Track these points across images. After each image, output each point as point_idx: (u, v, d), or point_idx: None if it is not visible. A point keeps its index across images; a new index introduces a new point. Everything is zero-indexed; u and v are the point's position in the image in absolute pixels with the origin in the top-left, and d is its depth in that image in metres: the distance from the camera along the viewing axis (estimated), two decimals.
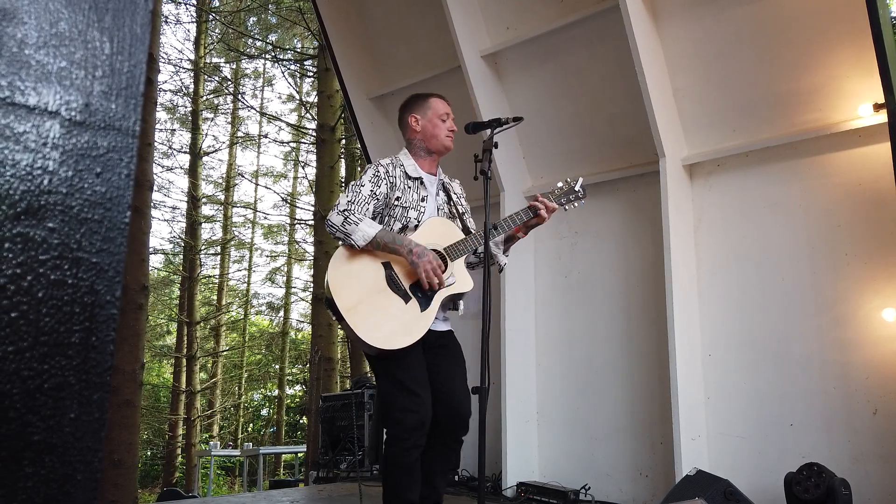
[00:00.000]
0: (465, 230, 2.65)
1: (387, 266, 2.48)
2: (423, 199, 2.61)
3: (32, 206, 0.61)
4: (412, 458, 2.41)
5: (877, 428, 3.21)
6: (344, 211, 2.45)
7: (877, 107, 3.24)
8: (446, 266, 2.51)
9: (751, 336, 3.64)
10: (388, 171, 2.59)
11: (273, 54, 14.41)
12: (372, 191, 2.52)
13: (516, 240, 2.72)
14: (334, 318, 2.44)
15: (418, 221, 2.57)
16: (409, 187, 2.60)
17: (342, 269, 2.46)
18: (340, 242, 2.46)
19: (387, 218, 2.55)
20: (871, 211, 3.35)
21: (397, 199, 2.56)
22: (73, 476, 0.62)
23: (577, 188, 2.72)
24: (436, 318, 2.54)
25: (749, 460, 3.54)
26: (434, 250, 2.49)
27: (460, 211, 2.71)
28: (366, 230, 2.41)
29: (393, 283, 2.46)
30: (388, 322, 2.40)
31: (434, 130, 2.64)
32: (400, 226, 2.55)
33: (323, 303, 2.45)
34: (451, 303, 2.62)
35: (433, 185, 2.67)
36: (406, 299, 2.45)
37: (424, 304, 2.47)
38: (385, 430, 2.48)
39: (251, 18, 15.09)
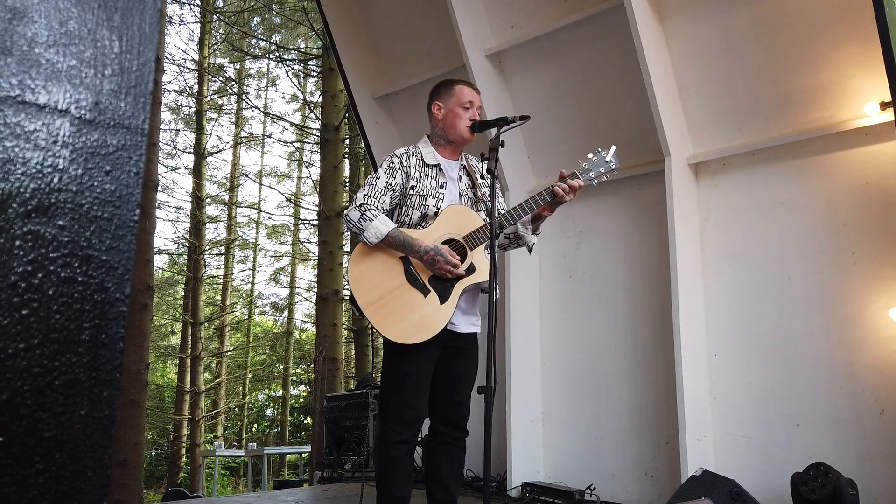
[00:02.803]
0: (490, 214, 2.61)
1: (405, 260, 2.47)
2: (442, 186, 2.58)
3: (43, 204, 0.61)
4: (402, 453, 2.43)
5: (884, 428, 3.20)
6: (361, 206, 2.45)
7: (884, 105, 3.23)
8: (465, 256, 2.48)
9: (757, 336, 3.63)
10: (402, 162, 2.57)
11: (277, 54, 14.44)
12: (387, 182, 2.52)
13: (544, 218, 2.65)
14: (357, 314, 2.45)
15: (437, 209, 2.54)
16: (426, 175, 2.57)
17: (361, 264, 2.46)
18: (359, 238, 2.47)
19: (405, 207, 2.54)
20: (877, 210, 3.34)
21: (412, 188, 2.54)
22: (84, 472, 0.62)
23: (608, 158, 2.61)
24: (462, 315, 2.53)
25: (755, 460, 3.53)
26: (452, 240, 2.49)
27: (486, 193, 2.63)
28: (378, 227, 2.41)
29: (411, 276, 2.45)
30: (407, 316, 2.40)
31: (454, 120, 2.59)
32: (419, 214, 2.53)
33: (349, 300, 2.47)
34: (479, 290, 2.58)
35: (454, 170, 2.64)
36: (425, 293, 2.44)
37: (444, 296, 2.46)
38: (379, 423, 2.49)
39: (255, 18, 15.12)
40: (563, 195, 2.50)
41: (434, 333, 2.41)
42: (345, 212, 2.52)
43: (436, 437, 2.58)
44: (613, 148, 2.64)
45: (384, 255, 2.47)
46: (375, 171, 2.65)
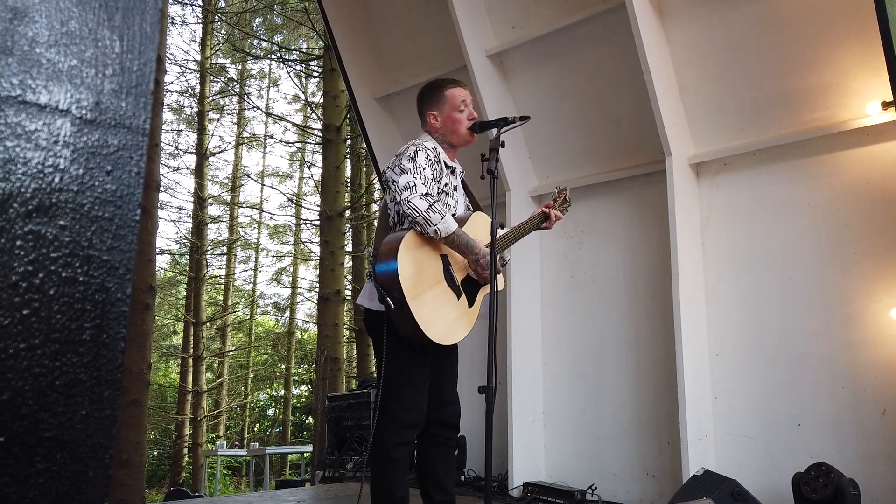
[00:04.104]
0: (492, 214, 2.68)
1: (444, 259, 2.46)
2: (455, 189, 2.64)
3: (44, 204, 0.61)
4: (402, 454, 2.41)
5: (885, 428, 3.20)
6: (427, 195, 2.36)
7: (885, 105, 3.22)
8: None
9: (758, 335, 3.63)
10: (437, 157, 2.56)
11: (279, 55, 14.44)
12: (433, 175, 2.48)
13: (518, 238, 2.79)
14: (389, 302, 2.32)
15: (455, 210, 2.58)
16: (447, 175, 2.61)
17: (411, 255, 2.37)
18: (417, 228, 2.37)
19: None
20: (879, 209, 3.33)
21: (445, 185, 2.55)
22: (85, 472, 0.62)
23: (567, 198, 2.85)
24: None
25: (757, 460, 3.52)
26: None
27: (476, 201, 2.75)
28: (449, 223, 2.36)
29: (449, 277, 2.45)
30: (445, 317, 2.40)
31: (455, 126, 2.62)
32: None
33: (380, 285, 2.39)
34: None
35: (457, 175, 2.71)
36: (458, 295, 2.46)
37: (471, 301, 2.49)
38: (376, 423, 2.45)
39: (257, 19, 15.13)
40: (553, 221, 2.70)
41: (462, 336, 2.44)
42: (404, 196, 2.35)
43: (429, 439, 2.57)
44: (568, 189, 2.89)
45: (428, 251, 2.42)
46: (378, 171, 2.68)
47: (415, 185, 2.38)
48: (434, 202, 2.36)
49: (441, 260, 2.45)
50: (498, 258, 2.74)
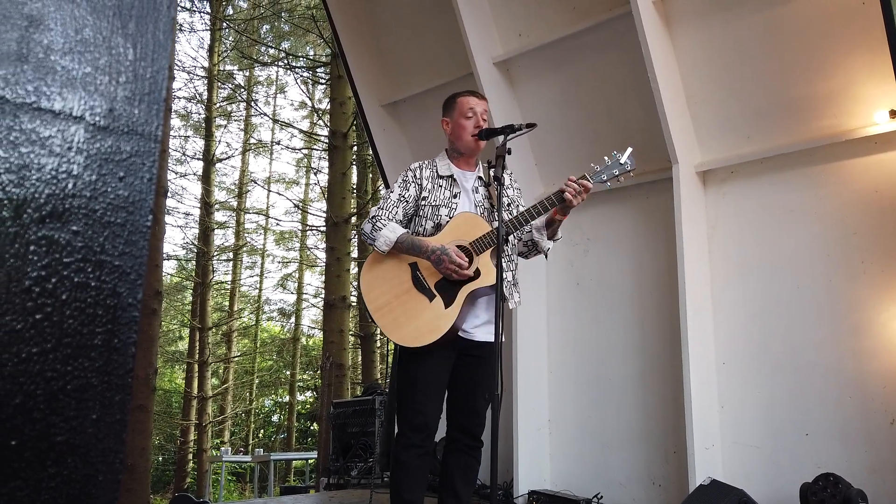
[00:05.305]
0: (498, 220, 2.60)
1: (413, 266, 2.56)
2: (455, 196, 2.65)
3: (57, 210, 0.62)
4: (412, 457, 2.48)
5: (894, 438, 3.17)
6: (372, 217, 2.58)
7: (893, 113, 3.22)
8: (472, 261, 2.51)
9: (766, 344, 3.61)
10: (415, 175, 2.67)
11: (286, 62, 14.51)
12: (400, 195, 2.64)
13: (558, 223, 2.63)
14: (369, 319, 2.58)
15: (450, 218, 2.62)
16: (440, 186, 2.66)
17: (371, 272, 2.60)
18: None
19: (418, 218, 2.64)
20: (887, 218, 3.32)
21: (423, 199, 2.64)
22: (95, 476, 0.62)
23: (623, 160, 2.55)
24: (479, 323, 2.57)
25: (764, 470, 3.50)
26: (460, 246, 2.52)
27: (505, 203, 2.63)
28: (388, 235, 2.53)
29: (418, 282, 2.54)
30: (412, 320, 2.49)
31: (459, 131, 2.66)
32: (433, 224, 2.61)
33: (359, 305, 2.58)
34: (508, 294, 2.63)
35: (469, 181, 2.69)
36: (430, 297, 2.51)
37: (448, 301, 2.51)
38: (394, 427, 2.60)
39: (264, 26, 15.22)
40: (571, 198, 2.46)
41: (438, 336, 2.46)
42: (360, 226, 2.58)
43: (451, 443, 2.63)
44: (630, 150, 2.59)
45: (393, 263, 2.57)
46: (384, 177, 2.74)
47: (369, 211, 2.63)
48: (376, 222, 2.54)
49: (410, 268, 2.56)
50: (541, 241, 2.68)
